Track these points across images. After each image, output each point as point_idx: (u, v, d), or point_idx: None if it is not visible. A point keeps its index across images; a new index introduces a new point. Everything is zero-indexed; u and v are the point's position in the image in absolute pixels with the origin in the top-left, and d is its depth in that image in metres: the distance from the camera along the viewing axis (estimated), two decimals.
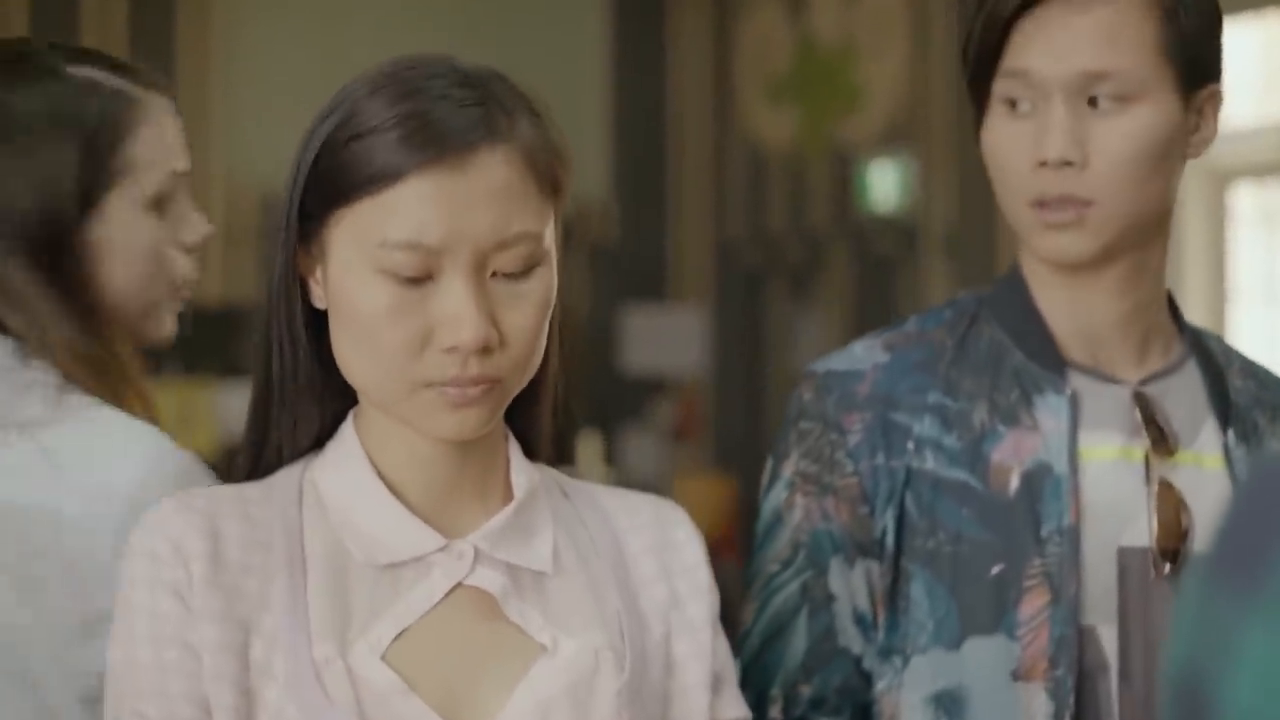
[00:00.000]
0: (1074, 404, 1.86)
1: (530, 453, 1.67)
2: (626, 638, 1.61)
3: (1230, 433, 1.90)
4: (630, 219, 8.12)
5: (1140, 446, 1.86)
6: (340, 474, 1.62)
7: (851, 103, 7.54)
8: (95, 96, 1.89)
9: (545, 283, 1.58)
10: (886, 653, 1.87)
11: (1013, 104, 1.84)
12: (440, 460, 1.61)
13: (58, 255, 1.86)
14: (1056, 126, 1.80)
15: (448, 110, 1.54)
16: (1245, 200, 6.55)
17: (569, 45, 7.85)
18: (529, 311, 1.56)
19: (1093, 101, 1.82)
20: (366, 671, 1.54)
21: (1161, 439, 1.87)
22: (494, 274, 1.55)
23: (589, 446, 7.07)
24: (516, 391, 1.60)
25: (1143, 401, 1.88)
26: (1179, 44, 1.83)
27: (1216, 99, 1.88)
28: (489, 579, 1.59)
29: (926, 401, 1.88)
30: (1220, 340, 2.00)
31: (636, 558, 1.66)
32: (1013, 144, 1.84)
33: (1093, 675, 1.82)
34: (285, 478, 1.63)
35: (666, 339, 7.92)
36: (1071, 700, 1.80)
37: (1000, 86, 1.84)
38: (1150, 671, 1.82)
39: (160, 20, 7.59)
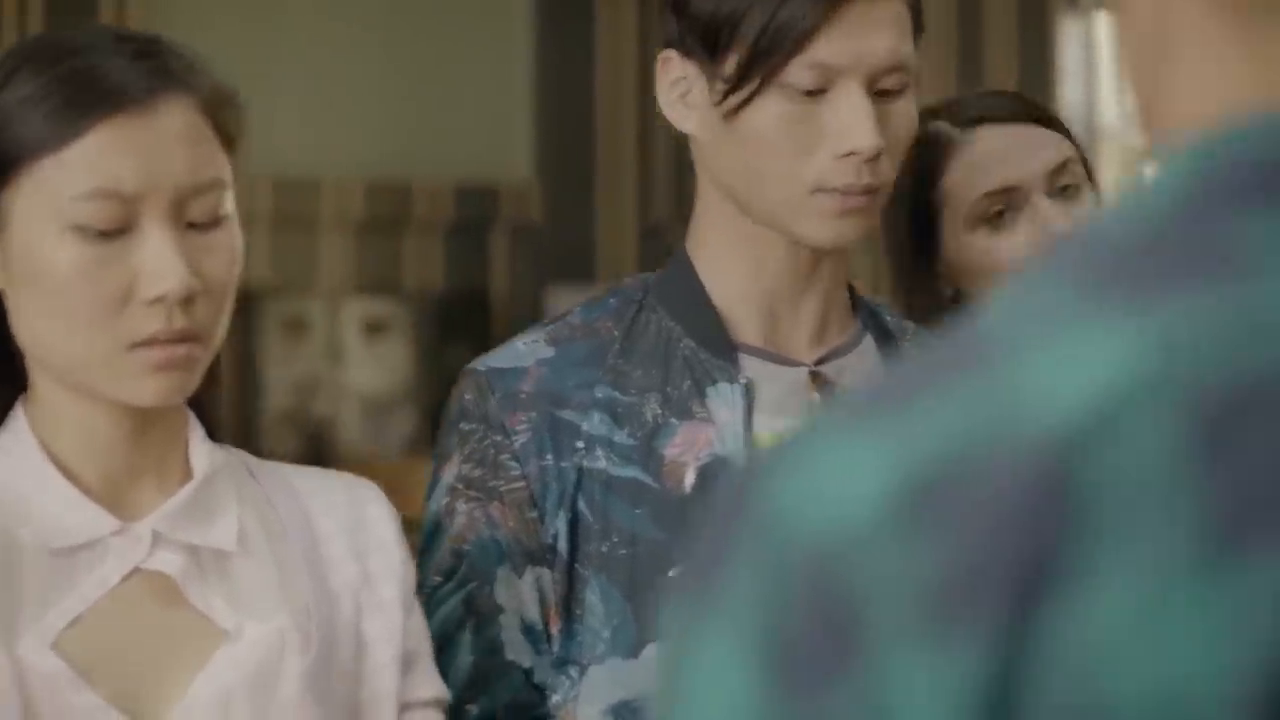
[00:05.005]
0: (749, 392, 1.80)
1: (212, 434, 1.63)
2: (314, 618, 1.58)
3: None
4: (556, 200, 8.13)
5: None
6: (9, 461, 1.56)
7: None
8: None
9: (232, 236, 1.56)
10: (562, 664, 1.78)
11: (805, 92, 1.77)
12: (118, 442, 1.57)
13: None
14: (869, 118, 1.75)
15: (123, 63, 1.53)
16: None
17: (494, 23, 7.84)
18: (222, 263, 1.55)
19: (880, 91, 1.78)
20: (34, 662, 1.49)
21: None
22: (188, 225, 1.53)
23: None
24: (212, 354, 1.56)
25: (820, 381, 1.83)
26: (917, 25, 1.82)
27: None
28: (168, 562, 1.55)
29: (594, 397, 1.79)
30: (896, 315, 1.96)
31: (328, 537, 1.63)
32: (802, 130, 1.76)
33: None
34: None
35: None
36: None
37: (795, 75, 1.76)
38: None
39: (80, 17, 7.55)
